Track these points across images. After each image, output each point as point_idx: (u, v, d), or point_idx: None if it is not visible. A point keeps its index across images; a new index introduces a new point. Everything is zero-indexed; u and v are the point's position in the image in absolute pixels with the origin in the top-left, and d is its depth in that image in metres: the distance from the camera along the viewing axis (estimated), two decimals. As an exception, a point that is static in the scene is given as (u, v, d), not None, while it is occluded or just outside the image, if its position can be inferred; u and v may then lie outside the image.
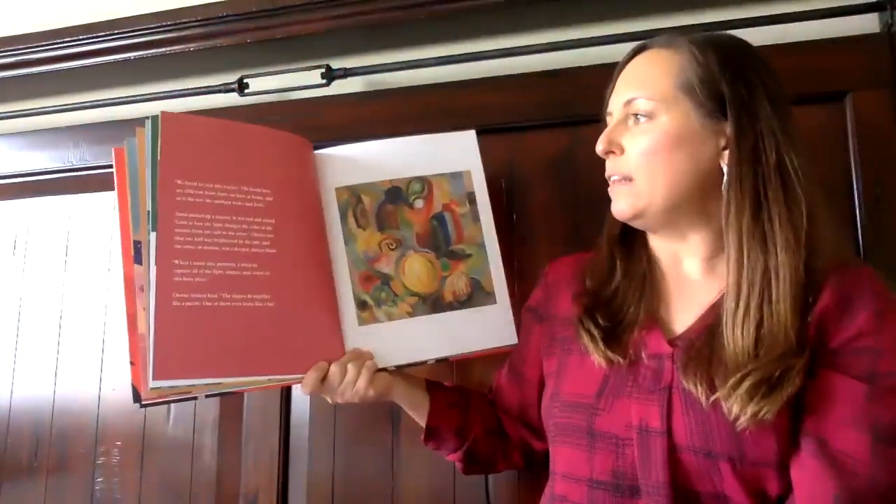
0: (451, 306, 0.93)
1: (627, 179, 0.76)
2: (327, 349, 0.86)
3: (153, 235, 0.78)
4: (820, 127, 1.03)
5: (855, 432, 0.65)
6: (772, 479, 0.67)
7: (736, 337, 0.69)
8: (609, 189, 0.80)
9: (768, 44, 1.02)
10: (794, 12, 1.07)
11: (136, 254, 0.80)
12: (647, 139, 0.74)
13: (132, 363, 0.80)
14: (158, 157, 0.81)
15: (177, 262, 0.79)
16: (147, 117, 0.81)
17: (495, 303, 0.94)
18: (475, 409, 0.95)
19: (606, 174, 0.80)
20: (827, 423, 0.66)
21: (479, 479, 1.09)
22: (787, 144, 0.72)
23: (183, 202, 0.81)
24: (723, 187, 0.73)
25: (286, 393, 1.22)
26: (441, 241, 0.95)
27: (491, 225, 0.97)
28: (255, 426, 1.22)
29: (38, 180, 1.44)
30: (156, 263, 0.78)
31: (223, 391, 0.83)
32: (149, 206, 0.80)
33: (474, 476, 1.07)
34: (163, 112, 0.82)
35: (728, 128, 0.73)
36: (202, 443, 1.25)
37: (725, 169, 0.73)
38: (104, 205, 1.39)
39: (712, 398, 0.67)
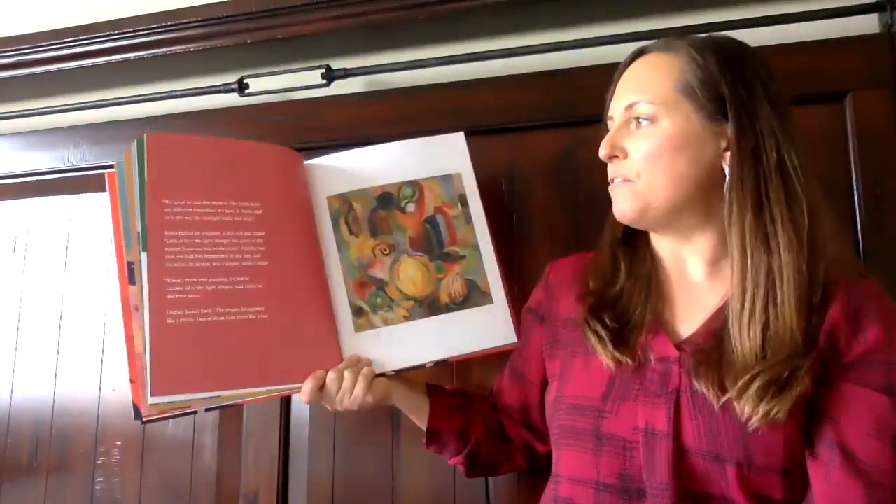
0: (448, 308, 0.92)
1: (629, 181, 0.76)
2: (325, 358, 0.87)
3: (144, 255, 0.80)
4: (820, 127, 1.03)
5: (879, 443, 0.66)
6: (776, 485, 0.67)
7: (743, 339, 0.69)
8: (610, 188, 0.80)
9: (769, 44, 1.02)
10: (795, 13, 1.06)
11: (129, 274, 0.81)
12: (650, 143, 0.74)
13: (132, 381, 0.81)
14: (145, 179, 0.82)
15: (169, 280, 0.80)
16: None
17: (492, 302, 0.94)
18: (476, 412, 0.94)
19: (609, 178, 0.79)
20: (849, 435, 0.67)
21: (479, 479, 1.09)
22: (787, 143, 0.72)
23: (172, 221, 0.82)
24: (724, 188, 0.73)
25: (286, 393, 1.22)
26: (434, 243, 0.95)
27: (484, 225, 0.96)
28: (255, 426, 1.22)
29: (38, 180, 1.44)
30: (148, 283, 0.79)
31: (222, 404, 0.83)
32: (138, 227, 0.81)
33: (474, 477, 1.07)
34: (147, 133, 0.84)
35: (729, 129, 0.73)
36: (202, 443, 1.25)
37: (727, 170, 0.73)
38: (104, 205, 1.37)
39: (723, 399, 0.68)
